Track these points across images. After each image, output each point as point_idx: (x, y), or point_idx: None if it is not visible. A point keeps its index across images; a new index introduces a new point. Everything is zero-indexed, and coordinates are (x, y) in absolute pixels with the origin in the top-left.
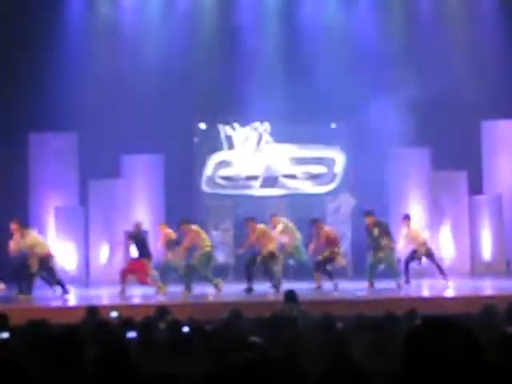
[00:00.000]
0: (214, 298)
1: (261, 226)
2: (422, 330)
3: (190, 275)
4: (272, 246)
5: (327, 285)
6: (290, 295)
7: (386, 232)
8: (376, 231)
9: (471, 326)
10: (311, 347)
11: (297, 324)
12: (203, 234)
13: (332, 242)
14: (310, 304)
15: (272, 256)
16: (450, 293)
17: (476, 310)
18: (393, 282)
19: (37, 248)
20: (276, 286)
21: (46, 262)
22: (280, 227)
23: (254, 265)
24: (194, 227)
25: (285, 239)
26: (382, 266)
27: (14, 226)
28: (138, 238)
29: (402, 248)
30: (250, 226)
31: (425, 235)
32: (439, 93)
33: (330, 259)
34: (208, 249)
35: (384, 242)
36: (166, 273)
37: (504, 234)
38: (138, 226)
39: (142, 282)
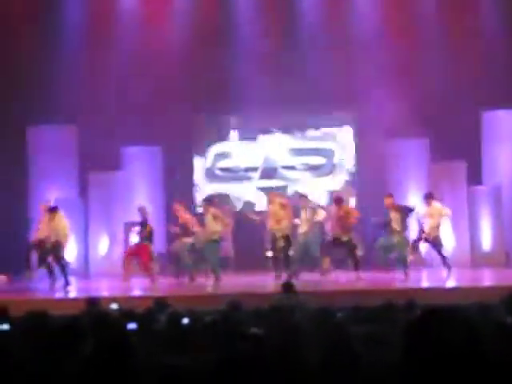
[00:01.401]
0: (213, 289)
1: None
2: (421, 321)
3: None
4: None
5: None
6: (288, 286)
7: (402, 218)
8: (393, 215)
9: (470, 316)
10: (310, 338)
11: (295, 315)
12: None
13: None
14: (309, 294)
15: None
16: (449, 283)
17: (475, 301)
18: (396, 272)
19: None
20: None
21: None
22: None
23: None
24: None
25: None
26: (393, 254)
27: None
28: (143, 223)
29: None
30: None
31: (445, 214)
32: (438, 83)
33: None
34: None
35: (397, 227)
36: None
37: (503, 224)
38: (143, 210)
39: (145, 268)
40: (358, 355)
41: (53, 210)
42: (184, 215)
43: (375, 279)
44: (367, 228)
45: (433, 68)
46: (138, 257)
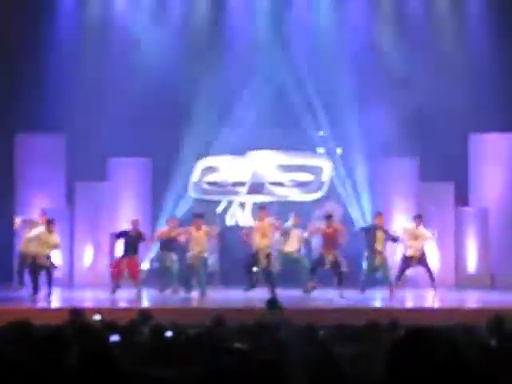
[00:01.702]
0: (198, 303)
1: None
2: (405, 341)
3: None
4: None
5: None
6: (273, 302)
7: (385, 238)
8: (380, 235)
9: (454, 337)
10: (295, 354)
11: (279, 331)
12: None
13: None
14: (293, 312)
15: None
16: (433, 304)
17: (459, 322)
18: (378, 291)
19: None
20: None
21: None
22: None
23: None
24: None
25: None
26: (378, 274)
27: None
28: (131, 235)
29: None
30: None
31: (427, 239)
32: (427, 104)
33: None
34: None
35: (380, 247)
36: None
37: (489, 246)
38: (135, 223)
39: (136, 280)
40: (343, 373)
41: (52, 221)
42: (177, 231)
43: (359, 298)
44: (353, 244)
45: (422, 88)
46: (129, 269)
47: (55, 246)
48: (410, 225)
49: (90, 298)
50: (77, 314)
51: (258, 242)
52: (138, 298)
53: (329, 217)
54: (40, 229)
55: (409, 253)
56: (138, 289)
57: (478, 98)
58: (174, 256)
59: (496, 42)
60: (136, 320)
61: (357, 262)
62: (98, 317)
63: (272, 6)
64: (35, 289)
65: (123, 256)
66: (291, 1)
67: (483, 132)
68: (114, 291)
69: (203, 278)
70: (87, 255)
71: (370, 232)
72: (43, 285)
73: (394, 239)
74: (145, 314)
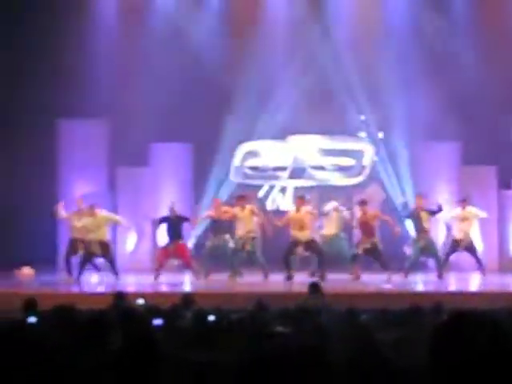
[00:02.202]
0: (239, 286)
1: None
2: (449, 325)
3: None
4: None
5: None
6: (314, 287)
7: (429, 216)
8: (424, 215)
9: (499, 320)
10: (336, 339)
11: (320, 316)
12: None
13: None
14: (335, 296)
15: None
16: (477, 288)
17: (503, 306)
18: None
19: None
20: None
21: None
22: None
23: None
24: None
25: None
26: (423, 257)
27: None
28: (172, 220)
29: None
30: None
31: (479, 217)
32: (470, 88)
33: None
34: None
35: (427, 226)
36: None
37: None
38: (172, 207)
39: (189, 266)
40: (384, 358)
41: (95, 206)
42: (230, 210)
43: (402, 282)
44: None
45: (465, 72)
46: (178, 256)
47: (115, 222)
48: (456, 210)
49: (132, 282)
50: (120, 299)
51: (296, 234)
52: (198, 277)
53: (362, 203)
54: (84, 219)
55: (458, 236)
56: (195, 271)
57: None
58: (227, 237)
59: None
60: (179, 304)
61: (395, 246)
62: (141, 301)
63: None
64: (79, 273)
65: (169, 243)
66: None
67: None
68: (156, 278)
69: (260, 258)
70: (129, 240)
71: (413, 215)
72: (107, 272)
73: (438, 209)
74: (187, 299)
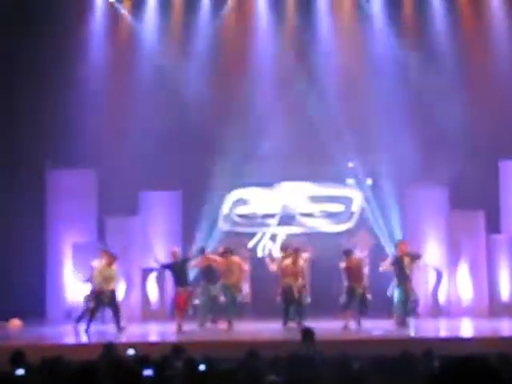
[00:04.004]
0: (229, 335)
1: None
2: (442, 372)
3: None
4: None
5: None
6: (308, 334)
7: (413, 263)
8: (407, 261)
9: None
10: None
11: (314, 363)
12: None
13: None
14: (327, 343)
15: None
16: (467, 333)
17: (494, 351)
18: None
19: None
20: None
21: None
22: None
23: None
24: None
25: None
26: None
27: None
28: (175, 266)
29: None
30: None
31: None
32: (456, 132)
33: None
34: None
35: (409, 273)
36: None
37: None
38: (174, 254)
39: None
40: None
41: (115, 256)
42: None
43: (391, 328)
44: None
45: (451, 117)
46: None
47: (115, 279)
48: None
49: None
50: (110, 349)
51: (292, 283)
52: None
53: (346, 252)
54: (100, 264)
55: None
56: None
57: (508, 124)
58: (217, 286)
59: None
60: (169, 354)
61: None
62: (131, 351)
63: (298, 39)
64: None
65: (179, 289)
66: (316, 32)
67: None
68: (180, 329)
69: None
70: (119, 290)
71: (397, 261)
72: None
73: (417, 256)
74: (178, 348)
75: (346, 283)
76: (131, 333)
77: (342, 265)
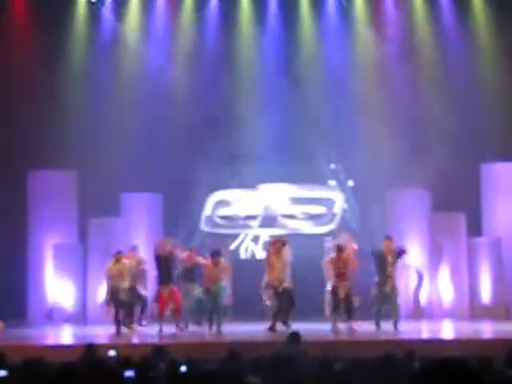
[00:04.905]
0: (211, 337)
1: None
2: (422, 373)
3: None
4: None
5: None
6: (295, 337)
7: (397, 261)
8: (390, 259)
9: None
10: None
11: (295, 365)
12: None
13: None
14: (310, 344)
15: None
16: (448, 335)
17: (474, 353)
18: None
19: None
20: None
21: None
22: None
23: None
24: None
25: None
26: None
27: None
28: (163, 259)
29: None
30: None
31: None
32: (439, 135)
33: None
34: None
35: (391, 271)
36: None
37: (503, 276)
38: (164, 245)
39: (178, 314)
40: None
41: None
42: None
43: (374, 330)
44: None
45: (433, 120)
46: (172, 303)
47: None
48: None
49: (103, 333)
50: (91, 350)
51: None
52: (182, 329)
53: (339, 247)
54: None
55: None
56: (180, 322)
57: (490, 127)
58: (198, 286)
59: (508, 71)
60: (151, 355)
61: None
62: (112, 352)
63: (282, 43)
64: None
65: (161, 287)
66: (301, 37)
67: (495, 161)
68: (160, 331)
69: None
70: (100, 291)
71: (380, 256)
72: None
73: (401, 252)
74: (159, 350)
75: (330, 282)
76: (112, 334)
77: (329, 259)
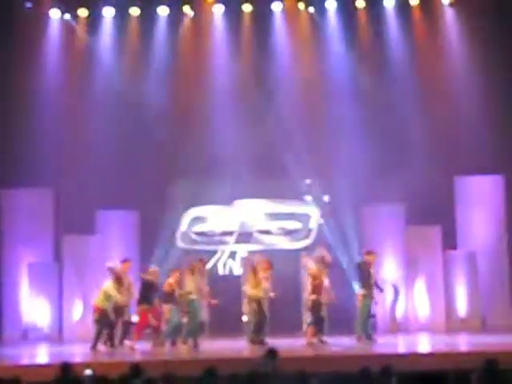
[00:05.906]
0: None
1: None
2: None
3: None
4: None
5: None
6: (272, 353)
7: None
8: (372, 272)
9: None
10: None
11: (272, 381)
12: None
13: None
14: (286, 360)
15: None
16: (425, 349)
17: (451, 367)
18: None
19: None
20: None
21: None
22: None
23: None
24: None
25: None
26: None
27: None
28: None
29: None
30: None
31: None
32: (412, 148)
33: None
34: None
35: (371, 284)
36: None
37: (479, 289)
38: (148, 272)
39: (158, 332)
40: None
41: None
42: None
43: (352, 344)
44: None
45: (406, 133)
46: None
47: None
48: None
49: (79, 352)
50: (67, 370)
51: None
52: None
53: (321, 261)
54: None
55: None
56: (158, 339)
57: (463, 140)
58: (174, 307)
59: (482, 83)
60: (127, 373)
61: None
62: (88, 371)
63: (256, 57)
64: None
65: (146, 307)
66: (273, 48)
67: (468, 174)
68: (133, 347)
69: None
70: (76, 309)
71: (365, 269)
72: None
73: (380, 289)
74: (136, 368)
75: (311, 297)
76: (88, 353)
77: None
